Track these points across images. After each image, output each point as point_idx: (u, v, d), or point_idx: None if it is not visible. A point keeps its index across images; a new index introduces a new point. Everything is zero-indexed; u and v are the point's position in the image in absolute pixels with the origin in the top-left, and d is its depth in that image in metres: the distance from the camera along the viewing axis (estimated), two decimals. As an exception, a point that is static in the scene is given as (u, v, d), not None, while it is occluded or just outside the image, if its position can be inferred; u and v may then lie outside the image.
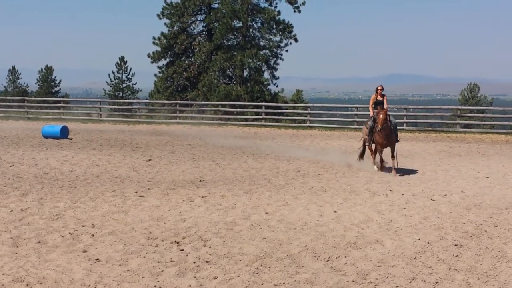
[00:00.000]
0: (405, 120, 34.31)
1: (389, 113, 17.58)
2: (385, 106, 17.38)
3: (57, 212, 11.64)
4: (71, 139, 25.89)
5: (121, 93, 60.90)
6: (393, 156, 17.34)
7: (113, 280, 7.77)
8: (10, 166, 17.65)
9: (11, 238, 9.72)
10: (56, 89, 68.15)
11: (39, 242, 9.54)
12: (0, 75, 73.51)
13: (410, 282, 7.76)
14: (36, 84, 68.32)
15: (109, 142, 25.34)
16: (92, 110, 42.94)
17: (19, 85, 69.15)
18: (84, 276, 7.90)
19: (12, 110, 41.63)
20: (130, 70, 62.26)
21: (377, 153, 17.71)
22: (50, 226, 10.57)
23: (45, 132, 26.44)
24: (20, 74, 70.40)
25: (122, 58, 62.25)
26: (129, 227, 10.58)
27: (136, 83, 62.26)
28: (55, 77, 68.18)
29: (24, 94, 62.18)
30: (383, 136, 16.99)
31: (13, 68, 70.29)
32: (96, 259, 8.66)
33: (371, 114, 17.65)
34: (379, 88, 17.62)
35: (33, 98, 49.17)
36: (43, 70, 67.88)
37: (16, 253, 8.92)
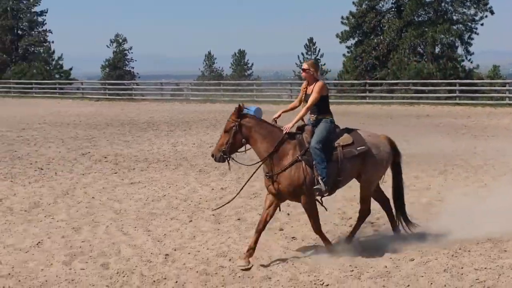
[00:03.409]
0: None
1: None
2: (309, 104, 8.20)
3: (254, 191, 12.10)
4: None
5: (310, 74, 61.69)
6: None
7: (309, 258, 7.93)
8: (210, 147, 18.62)
9: (214, 215, 10.30)
10: (248, 72, 70.84)
11: (238, 219, 10.01)
12: (197, 61, 77.89)
13: None
14: (230, 68, 71.57)
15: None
16: (283, 92, 43.93)
17: (215, 70, 72.91)
18: (282, 254, 8.16)
19: (209, 93, 43.85)
20: (319, 51, 62.86)
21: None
22: (248, 205, 11.04)
23: (240, 114, 27.53)
24: (216, 59, 74.11)
25: (310, 40, 63.04)
26: (323, 207, 10.70)
27: (324, 64, 62.71)
28: (247, 60, 70.89)
29: (220, 77, 65.30)
30: (271, 188, 8.18)
31: (209, 53, 74.23)
32: (292, 237, 8.92)
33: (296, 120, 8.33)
34: (304, 67, 8.38)
35: (228, 82, 51.45)
36: (236, 54, 70.92)
37: (219, 229, 9.45)
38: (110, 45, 69.71)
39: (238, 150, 8.13)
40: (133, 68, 70.67)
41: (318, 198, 8.16)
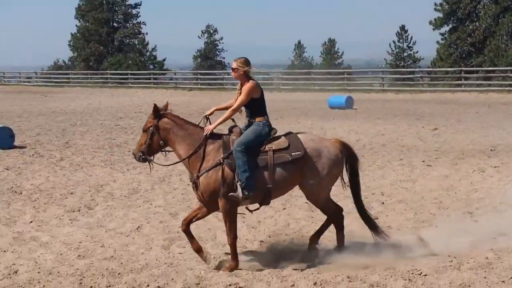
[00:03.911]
0: None
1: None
2: (235, 106, 7.48)
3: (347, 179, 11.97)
4: (355, 109, 26.46)
5: (402, 62, 60.46)
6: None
7: (406, 247, 7.78)
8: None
9: (307, 203, 10.28)
10: (339, 61, 70.30)
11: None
12: (287, 50, 77.97)
13: None
14: (320, 57, 71.22)
15: (392, 112, 25.38)
16: (374, 80, 43.34)
17: (304, 59, 72.75)
18: (377, 242, 8.05)
19: (299, 82, 43.84)
20: (411, 38, 61.40)
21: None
22: (341, 193, 10.91)
23: (331, 102, 27.43)
24: (305, 48, 73.91)
25: (402, 27, 61.65)
26: (418, 196, 10.54)
27: (417, 52, 61.28)
28: (338, 49, 70.38)
29: (310, 67, 65.07)
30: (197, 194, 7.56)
31: (299, 42, 74.13)
32: (388, 226, 8.80)
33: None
34: (233, 66, 7.63)
35: (318, 70, 51.23)
36: (326, 43, 70.52)
37: (312, 217, 9.46)
38: (201, 35, 70.85)
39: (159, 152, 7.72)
40: (224, 58, 71.61)
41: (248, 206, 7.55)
